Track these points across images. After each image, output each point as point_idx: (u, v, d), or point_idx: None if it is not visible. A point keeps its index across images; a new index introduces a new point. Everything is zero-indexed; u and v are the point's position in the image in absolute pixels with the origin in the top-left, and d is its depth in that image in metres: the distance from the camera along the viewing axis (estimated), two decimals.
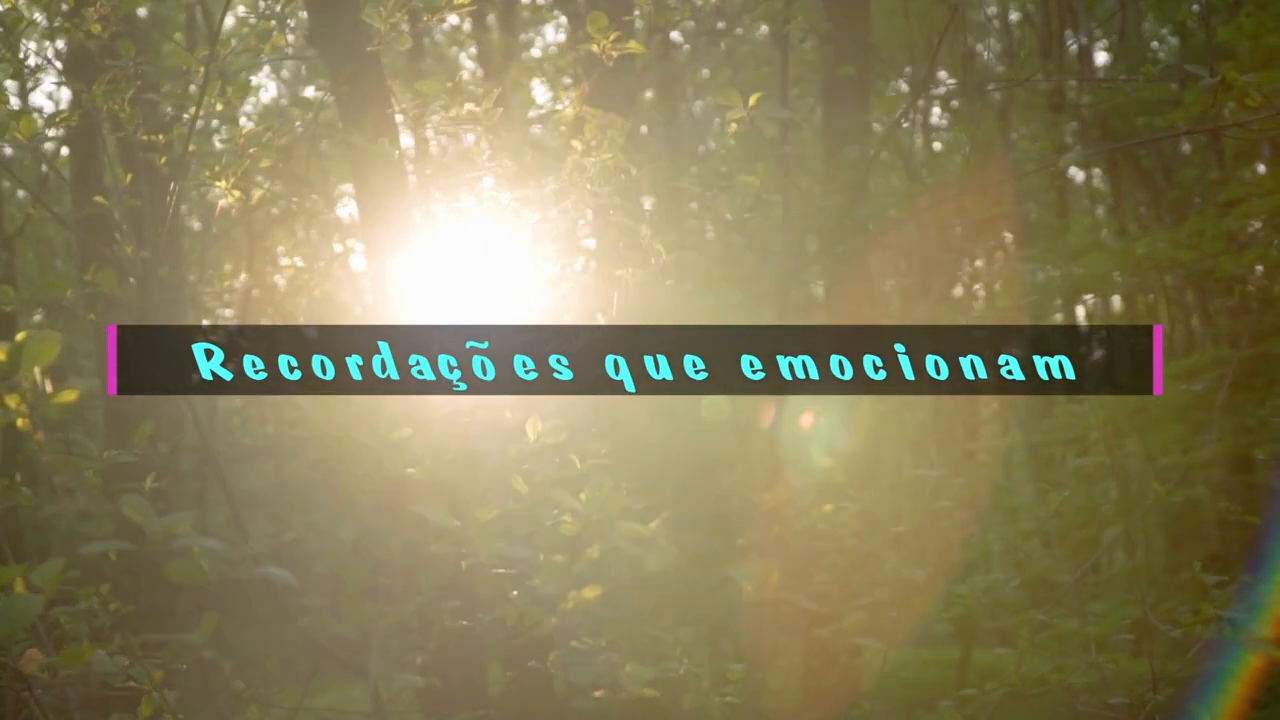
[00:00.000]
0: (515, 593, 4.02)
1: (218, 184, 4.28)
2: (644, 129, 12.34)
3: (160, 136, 4.49)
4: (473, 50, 17.77)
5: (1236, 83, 4.30)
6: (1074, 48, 17.74)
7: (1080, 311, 21.74)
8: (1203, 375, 9.63)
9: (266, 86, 20.30)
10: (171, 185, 4.12)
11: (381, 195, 5.37)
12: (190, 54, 4.45)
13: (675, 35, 18.20)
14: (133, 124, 4.29)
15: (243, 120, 16.72)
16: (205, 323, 24.57)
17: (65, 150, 12.97)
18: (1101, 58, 20.06)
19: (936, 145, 20.91)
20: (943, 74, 19.25)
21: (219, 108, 4.40)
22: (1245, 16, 9.58)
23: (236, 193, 4.32)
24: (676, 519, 4.75)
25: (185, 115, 4.71)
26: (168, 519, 2.30)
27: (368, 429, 3.02)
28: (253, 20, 5.05)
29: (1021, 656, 4.58)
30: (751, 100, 3.84)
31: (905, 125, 17.76)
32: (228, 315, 22.50)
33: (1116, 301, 21.60)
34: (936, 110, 20.69)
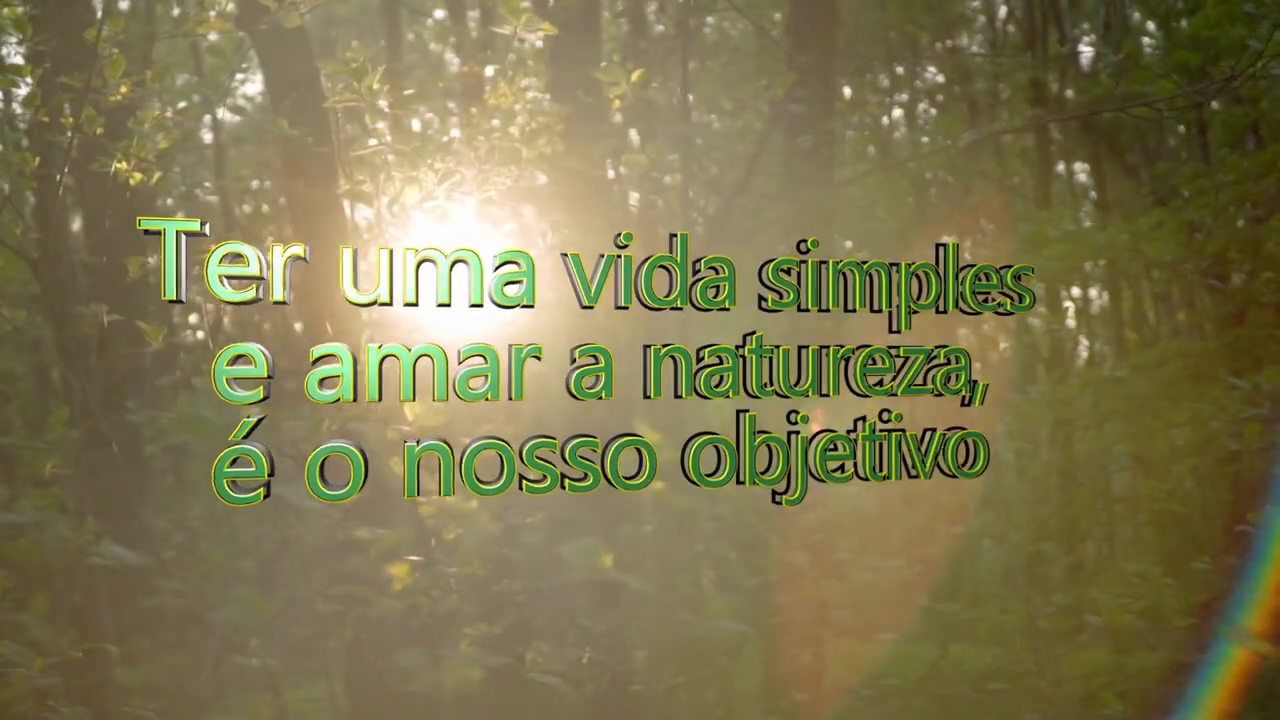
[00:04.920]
0: (418, 575, 3.96)
1: (119, 165, 4.24)
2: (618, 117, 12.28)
3: (67, 118, 4.44)
4: (454, 43, 17.73)
5: (1148, 63, 4.24)
6: (1057, 40, 17.65)
7: (1070, 308, 21.63)
8: (1166, 366, 9.54)
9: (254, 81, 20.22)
10: (64, 166, 4.08)
11: (303, 180, 5.32)
12: (94, 34, 4.39)
13: (659, 28, 18.12)
14: (32, 105, 4.25)
15: (223, 114, 16.65)
16: (189, 319, 24.54)
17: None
18: (1088, 52, 19.96)
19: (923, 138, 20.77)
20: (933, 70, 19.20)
21: (124, 89, 4.34)
22: (1211, 7, 9.50)
23: (139, 174, 4.28)
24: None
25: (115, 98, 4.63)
26: None
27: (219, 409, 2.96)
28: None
29: (935, 647, 4.52)
30: (634, 76, 3.79)
31: (885, 118, 17.69)
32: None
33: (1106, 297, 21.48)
34: (924, 105, 20.61)
